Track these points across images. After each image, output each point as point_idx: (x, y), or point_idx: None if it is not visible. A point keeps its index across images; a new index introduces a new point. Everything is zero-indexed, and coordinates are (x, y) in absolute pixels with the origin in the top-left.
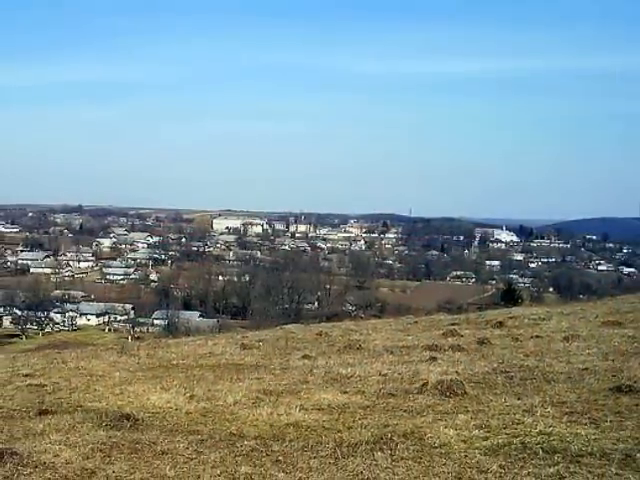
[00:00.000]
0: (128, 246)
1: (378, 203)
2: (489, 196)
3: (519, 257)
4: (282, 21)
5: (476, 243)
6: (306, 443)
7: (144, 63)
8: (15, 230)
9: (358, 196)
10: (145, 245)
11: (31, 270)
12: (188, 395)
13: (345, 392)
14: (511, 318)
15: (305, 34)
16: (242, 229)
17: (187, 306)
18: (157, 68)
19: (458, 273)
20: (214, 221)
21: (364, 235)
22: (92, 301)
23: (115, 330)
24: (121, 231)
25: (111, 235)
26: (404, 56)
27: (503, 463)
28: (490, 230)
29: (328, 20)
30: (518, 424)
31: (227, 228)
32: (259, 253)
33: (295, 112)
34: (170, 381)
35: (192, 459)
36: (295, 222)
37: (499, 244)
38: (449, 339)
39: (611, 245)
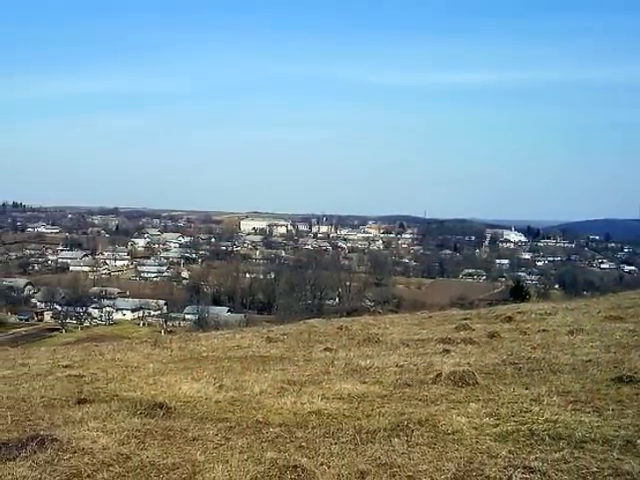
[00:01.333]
0: (161, 246)
1: (395, 205)
2: (499, 199)
3: (527, 256)
4: (303, 35)
5: (486, 243)
6: (327, 430)
7: (177, 75)
8: (56, 231)
9: (376, 199)
10: (177, 245)
11: (70, 268)
12: (217, 385)
13: (364, 382)
14: (519, 313)
15: (323, 48)
16: (268, 230)
17: (216, 302)
18: (188, 80)
19: (470, 271)
20: (241, 222)
21: (382, 235)
22: (127, 297)
23: (149, 324)
24: (154, 232)
25: (145, 235)
26: (417, 68)
27: (512, 449)
28: (500, 231)
29: (344, 35)
30: (526, 412)
31: (254, 229)
32: (283, 252)
33: (316, 120)
34: (200, 372)
35: (221, 445)
36: (317, 223)
37: (508, 244)
38: (461, 333)
39: (613, 245)
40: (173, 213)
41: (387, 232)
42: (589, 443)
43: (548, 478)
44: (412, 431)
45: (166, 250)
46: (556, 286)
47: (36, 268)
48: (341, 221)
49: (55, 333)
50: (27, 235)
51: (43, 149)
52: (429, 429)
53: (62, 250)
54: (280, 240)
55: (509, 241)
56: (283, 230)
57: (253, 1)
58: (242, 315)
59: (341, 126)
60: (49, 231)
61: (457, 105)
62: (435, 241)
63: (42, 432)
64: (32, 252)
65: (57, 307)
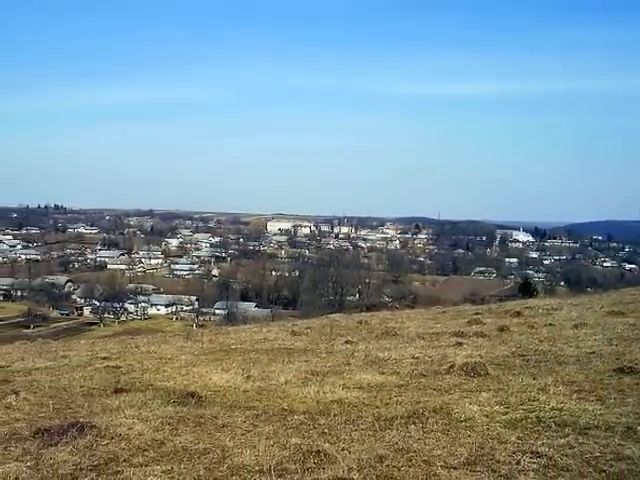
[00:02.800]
0: (193, 245)
1: (411, 208)
2: (508, 201)
3: (534, 255)
4: (323, 50)
5: (497, 243)
6: (348, 417)
7: (208, 86)
8: (94, 231)
9: (393, 201)
10: (208, 244)
11: (108, 266)
12: (245, 375)
13: (382, 373)
14: (527, 308)
15: (341, 61)
16: (292, 230)
17: (244, 298)
18: (219, 90)
19: (481, 269)
20: (268, 223)
21: (399, 236)
22: (161, 293)
23: (181, 319)
24: (187, 232)
25: (178, 236)
26: (430, 79)
27: (520, 435)
28: (509, 231)
29: (361, 48)
30: (534, 401)
31: (279, 230)
32: (307, 252)
33: (337, 128)
34: (229, 363)
35: (249, 431)
36: (339, 224)
37: (517, 244)
38: (473, 327)
39: (614, 245)
40: (204, 215)
41: (404, 232)
42: (592, 430)
43: (554, 462)
44: (427, 418)
45: (197, 249)
46: (562, 283)
47: (76, 266)
48: (361, 222)
49: (94, 327)
50: (68, 235)
51: (84, 155)
52: (443, 417)
53: (100, 249)
54: (304, 240)
55: (518, 241)
56: (307, 231)
57: (274, 16)
58: (268, 310)
59: (360, 134)
60: (88, 232)
61: (469, 113)
62: (449, 241)
63: (82, 419)
64: (72, 251)
65: (96, 303)
